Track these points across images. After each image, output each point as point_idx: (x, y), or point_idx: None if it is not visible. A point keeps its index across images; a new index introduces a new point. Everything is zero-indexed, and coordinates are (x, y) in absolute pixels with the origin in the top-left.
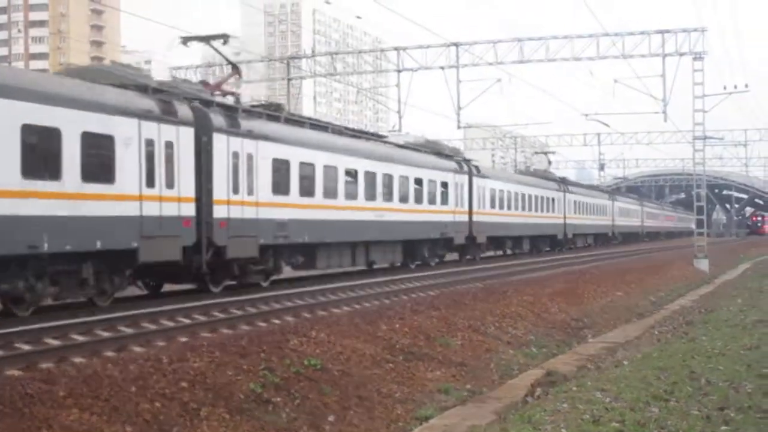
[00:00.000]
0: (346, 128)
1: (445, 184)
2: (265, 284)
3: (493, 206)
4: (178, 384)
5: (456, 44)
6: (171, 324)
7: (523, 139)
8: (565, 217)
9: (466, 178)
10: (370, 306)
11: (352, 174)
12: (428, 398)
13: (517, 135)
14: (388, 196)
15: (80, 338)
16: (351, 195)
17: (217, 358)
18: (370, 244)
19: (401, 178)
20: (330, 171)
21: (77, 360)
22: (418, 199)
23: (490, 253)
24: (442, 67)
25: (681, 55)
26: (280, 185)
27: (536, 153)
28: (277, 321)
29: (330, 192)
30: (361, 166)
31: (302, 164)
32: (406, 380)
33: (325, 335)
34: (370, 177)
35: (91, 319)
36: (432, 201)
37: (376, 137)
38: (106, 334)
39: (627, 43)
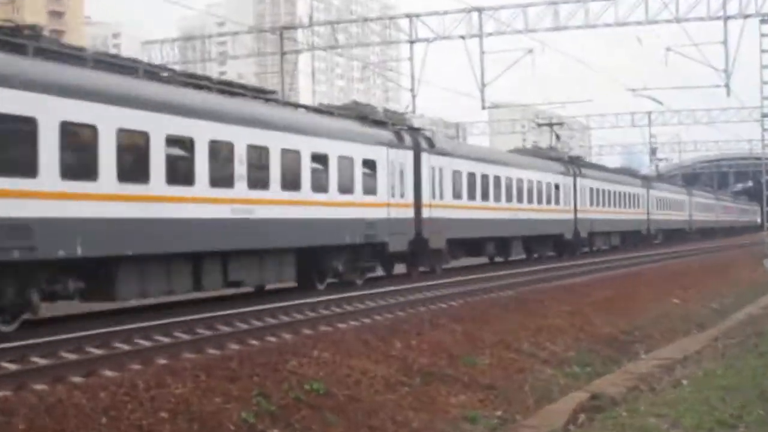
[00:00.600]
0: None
1: (371, 164)
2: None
3: (458, 196)
4: (156, 414)
5: (478, 9)
6: (147, 344)
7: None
8: (576, 210)
9: (410, 154)
10: (382, 320)
11: (183, 145)
12: (452, 427)
13: (553, 116)
14: (258, 181)
15: (42, 361)
16: (179, 178)
17: (203, 383)
18: (228, 256)
19: (287, 154)
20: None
21: (39, 387)
22: (319, 186)
23: (458, 262)
24: (463, 37)
25: (746, 17)
26: None
27: (539, 125)
28: (272, 338)
29: (133, 173)
30: (202, 132)
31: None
32: (425, 406)
33: (330, 354)
34: (217, 149)
35: (55, 338)
36: (346, 189)
37: (253, 92)
38: (71, 356)
39: (681, 4)
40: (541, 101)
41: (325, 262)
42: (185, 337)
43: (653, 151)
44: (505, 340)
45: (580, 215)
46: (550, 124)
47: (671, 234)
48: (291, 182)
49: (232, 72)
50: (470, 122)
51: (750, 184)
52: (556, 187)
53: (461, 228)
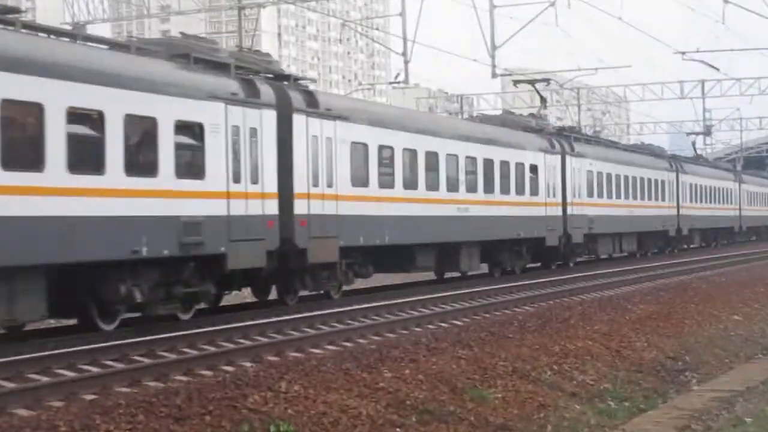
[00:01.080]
0: None
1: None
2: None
3: (362, 183)
4: None
5: None
6: (70, 374)
7: (590, 92)
8: (564, 204)
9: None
10: (366, 343)
11: None
12: None
13: (581, 86)
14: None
15: None
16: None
17: (141, 423)
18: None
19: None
20: None
21: None
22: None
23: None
24: None
25: None
26: None
27: (516, 82)
28: (228, 368)
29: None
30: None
31: None
32: None
33: (301, 388)
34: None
35: None
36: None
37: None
38: None
39: None
40: (567, 68)
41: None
42: (118, 365)
43: (708, 130)
44: (523, 367)
45: (574, 210)
46: (531, 81)
47: (712, 234)
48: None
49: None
50: (477, 94)
51: None
52: (533, 169)
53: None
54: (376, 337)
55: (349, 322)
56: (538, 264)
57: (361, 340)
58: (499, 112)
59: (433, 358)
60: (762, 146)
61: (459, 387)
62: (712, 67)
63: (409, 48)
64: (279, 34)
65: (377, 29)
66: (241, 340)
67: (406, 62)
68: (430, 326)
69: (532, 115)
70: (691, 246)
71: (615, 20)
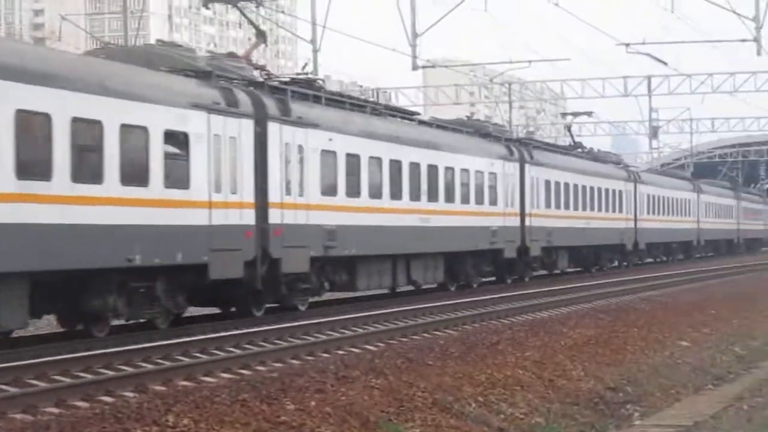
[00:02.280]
0: None
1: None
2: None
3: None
4: None
5: None
6: None
7: (523, 87)
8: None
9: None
10: (266, 370)
11: None
12: None
13: (513, 80)
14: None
15: None
16: None
17: None
18: None
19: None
20: None
21: None
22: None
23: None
24: None
25: None
26: None
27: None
28: (107, 398)
29: None
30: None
31: None
32: None
33: (191, 421)
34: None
35: None
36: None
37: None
38: None
39: None
40: (498, 60)
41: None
42: None
43: (654, 132)
44: (444, 399)
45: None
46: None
47: (667, 249)
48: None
49: (51, 13)
50: (396, 88)
51: None
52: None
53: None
54: (277, 364)
55: (247, 346)
56: (493, 278)
57: (260, 368)
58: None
59: (342, 388)
60: (714, 151)
61: (371, 421)
62: (660, 61)
63: (319, 35)
64: (169, 16)
65: (283, 12)
66: (123, 367)
67: (315, 51)
68: (339, 351)
69: (487, 122)
70: (646, 261)
71: (551, 7)
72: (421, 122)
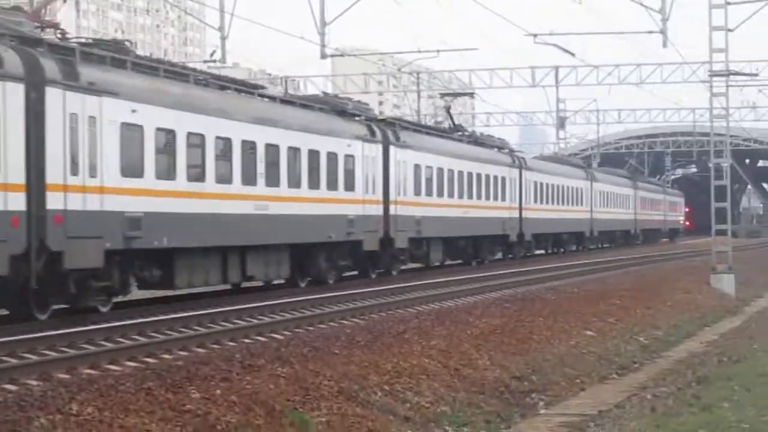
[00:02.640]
0: None
1: None
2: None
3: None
4: None
5: None
6: None
7: (431, 77)
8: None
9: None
10: (172, 359)
11: None
12: None
13: (422, 69)
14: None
15: None
16: None
17: None
18: None
19: None
20: None
21: None
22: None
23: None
24: None
25: None
26: None
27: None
28: (10, 387)
29: None
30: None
31: None
32: None
33: (96, 410)
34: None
35: None
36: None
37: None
38: None
39: None
40: (407, 49)
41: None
42: None
43: (562, 123)
44: (350, 388)
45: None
46: None
47: (558, 240)
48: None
49: None
50: (305, 76)
51: (694, 169)
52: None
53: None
54: (182, 353)
55: (153, 334)
56: (356, 272)
57: (165, 356)
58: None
59: (248, 377)
60: (621, 141)
61: (277, 409)
62: (567, 51)
63: (227, 22)
64: (77, 2)
65: None
66: (27, 355)
67: (223, 38)
68: (245, 340)
69: (337, 97)
70: (537, 253)
71: None
72: (264, 96)
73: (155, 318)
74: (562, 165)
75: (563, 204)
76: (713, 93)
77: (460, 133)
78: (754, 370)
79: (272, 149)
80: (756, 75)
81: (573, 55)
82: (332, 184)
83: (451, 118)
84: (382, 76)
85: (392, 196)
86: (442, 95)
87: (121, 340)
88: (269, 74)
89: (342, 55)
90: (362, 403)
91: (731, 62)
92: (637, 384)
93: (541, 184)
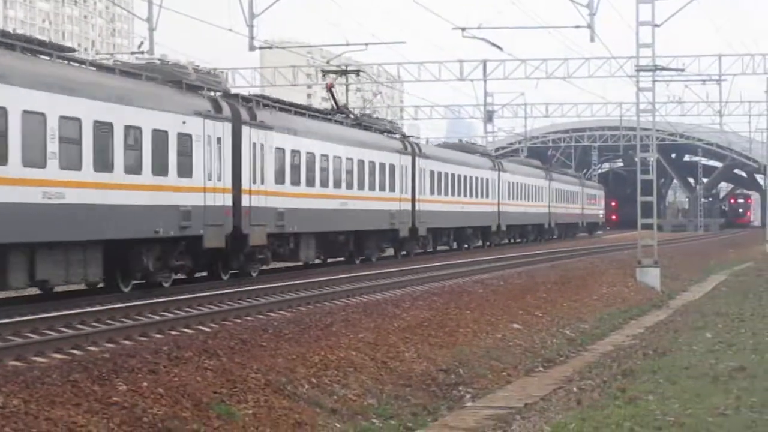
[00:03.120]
0: None
1: None
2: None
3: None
4: None
5: None
6: None
7: (360, 70)
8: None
9: None
10: (98, 351)
11: None
12: None
13: (350, 62)
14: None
15: None
16: None
17: None
18: None
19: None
20: None
21: None
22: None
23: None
24: None
25: None
26: None
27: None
28: None
29: None
30: None
31: None
32: None
33: (21, 402)
34: None
35: None
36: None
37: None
38: None
39: None
40: (336, 42)
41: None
42: None
43: (489, 117)
44: (277, 380)
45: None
46: None
47: (461, 235)
48: None
49: None
50: (233, 68)
51: (620, 164)
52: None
53: None
54: (109, 345)
55: (79, 326)
56: (204, 273)
57: (92, 348)
58: (257, 90)
59: (175, 369)
60: (548, 135)
61: (204, 402)
62: (495, 45)
63: (155, 13)
64: None
65: None
66: None
67: (151, 29)
68: (172, 332)
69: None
70: (426, 251)
71: None
72: (70, 61)
73: (81, 310)
74: (464, 153)
75: (465, 196)
76: (640, 88)
77: (343, 116)
78: (679, 363)
79: (70, 123)
80: (682, 70)
81: (501, 49)
82: (158, 169)
83: (334, 99)
84: (311, 69)
85: (245, 185)
86: (324, 72)
87: (47, 332)
88: (197, 66)
89: (270, 48)
90: (289, 395)
91: (658, 57)
92: (563, 377)
93: (439, 173)
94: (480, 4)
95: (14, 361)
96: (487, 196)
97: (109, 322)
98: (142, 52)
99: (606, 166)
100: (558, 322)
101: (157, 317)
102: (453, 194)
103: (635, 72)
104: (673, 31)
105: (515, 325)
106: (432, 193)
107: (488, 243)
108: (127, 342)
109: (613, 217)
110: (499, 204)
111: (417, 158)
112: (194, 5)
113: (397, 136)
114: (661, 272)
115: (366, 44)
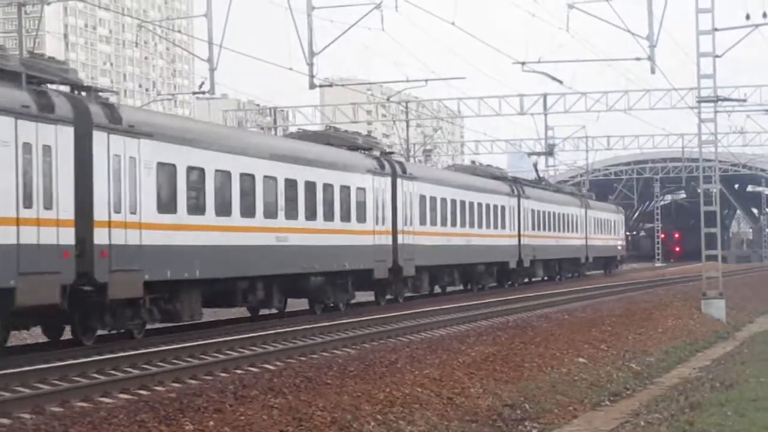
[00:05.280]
0: None
1: None
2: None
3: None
4: None
5: None
6: None
7: (420, 106)
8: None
9: None
10: (165, 390)
11: None
12: None
13: (410, 99)
14: None
15: None
16: None
17: None
18: None
19: None
20: None
21: None
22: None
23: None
24: None
25: None
26: None
27: None
28: (4, 420)
29: None
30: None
31: None
32: None
33: None
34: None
35: None
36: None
37: None
38: None
39: None
40: (395, 79)
41: None
42: None
43: (550, 150)
44: (343, 417)
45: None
46: None
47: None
48: None
49: None
50: (294, 107)
51: (683, 195)
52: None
53: None
54: (175, 384)
55: (145, 366)
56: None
57: (158, 388)
58: (319, 128)
59: (241, 408)
60: (610, 168)
61: None
62: (555, 79)
63: (216, 53)
64: (65, 35)
65: (179, 32)
66: (20, 388)
67: (212, 69)
68: (237, 371)
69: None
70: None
71: (447, 26)
72: None
73: (147, 350)
74: (472, 176)
75: (472, 226)
76: (701, 119)
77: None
78: (747, 395)
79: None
80: (744, 101)
81: (561, 82)
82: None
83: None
84: (371, 106)
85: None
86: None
87: (113, 372)
88: (258, 105)
89: (330, 85)
90: None
91: (719, 88)
92: (630, 410)
93: (432, 198)
94: (540, 39)
95: (81, 402)
96: (504, 227)
97: (174, 361)
98: (203, 92)
99: (668, 197)
100: (624, 355)
101: (221, 356)
102: (452, 224)
103: (697, 103)
104: (734, 61)
105: (580, 359)
106: (422, 223)
107: (509, 282)
108: (192, 381)
109: (677, 249)
110: (519, 235)
111: (401, 180)
112: (254, 44)
113: (379, 153)
114: (726, 303)
115: (426, 80)
